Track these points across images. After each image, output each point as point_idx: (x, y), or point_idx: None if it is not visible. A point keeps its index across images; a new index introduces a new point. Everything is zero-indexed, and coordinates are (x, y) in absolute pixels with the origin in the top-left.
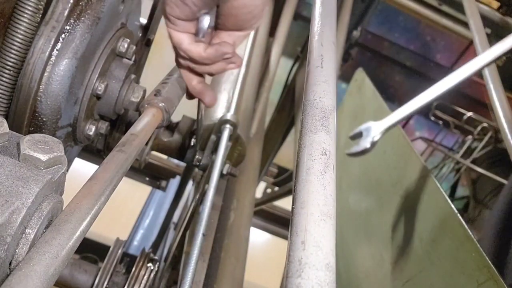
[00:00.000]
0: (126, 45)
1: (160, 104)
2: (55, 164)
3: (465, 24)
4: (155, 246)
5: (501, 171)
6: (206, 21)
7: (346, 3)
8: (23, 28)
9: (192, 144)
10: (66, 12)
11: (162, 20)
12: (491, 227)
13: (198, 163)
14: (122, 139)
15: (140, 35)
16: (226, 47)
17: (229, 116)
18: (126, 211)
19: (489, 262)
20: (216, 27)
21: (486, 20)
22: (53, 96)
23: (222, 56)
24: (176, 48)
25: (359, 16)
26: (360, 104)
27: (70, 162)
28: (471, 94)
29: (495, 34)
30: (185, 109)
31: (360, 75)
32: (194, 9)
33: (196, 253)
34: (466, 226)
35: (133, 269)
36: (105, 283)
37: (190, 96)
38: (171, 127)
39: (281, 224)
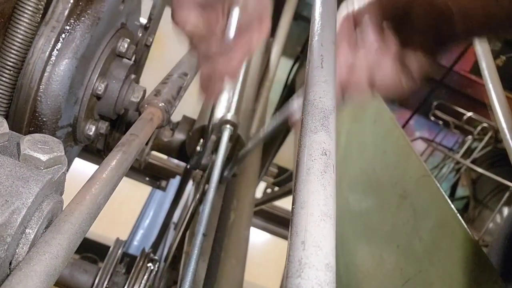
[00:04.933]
0: (126, 45)
1: (160, 104)
2: (55, 164)
3: None
4: (155, 246)
5: (501, 171)
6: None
7: None
8: (23, 28)
9: (198, 149)
10: (66, 12)
11: (162, 20)
12: (502, 230)
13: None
14: (122, 139)
15: (140, 35)
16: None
17: (229, 116)
18: (126, 211)
19: (490, 262)
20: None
21: None
22: (53, 96)
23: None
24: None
25: None
26: (360, 104)
27: (70, 162)
28: (471, 94)
29: None
30: (185, 109)
31: None
32: None
33: (196, 253)
34: (466, 226)
35: (133, 269)
36: (105, 283)
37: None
38: (171, 127)
39: (281, 224)
